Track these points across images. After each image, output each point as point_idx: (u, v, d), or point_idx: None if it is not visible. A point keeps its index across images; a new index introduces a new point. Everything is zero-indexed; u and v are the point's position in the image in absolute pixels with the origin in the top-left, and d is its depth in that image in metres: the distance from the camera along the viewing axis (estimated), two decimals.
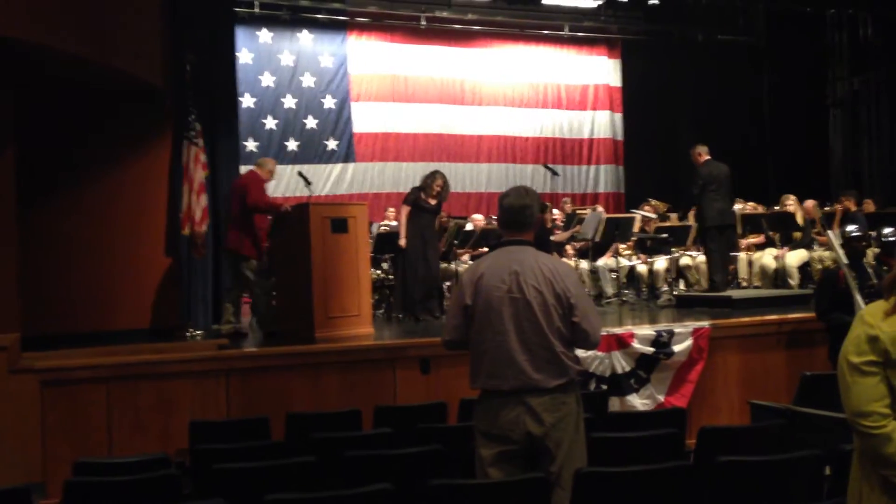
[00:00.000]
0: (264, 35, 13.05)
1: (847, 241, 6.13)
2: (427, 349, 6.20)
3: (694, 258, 9.91)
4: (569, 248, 10.40)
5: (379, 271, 9.42)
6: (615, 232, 9.63)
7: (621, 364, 6.53)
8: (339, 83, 13.49)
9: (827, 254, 9.06)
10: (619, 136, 15.37)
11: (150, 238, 8.09)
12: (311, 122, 13.26)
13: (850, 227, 6.31)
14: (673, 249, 9.84)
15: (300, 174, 8.53)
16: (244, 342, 7.37)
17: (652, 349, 6.59)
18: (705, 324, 6.79)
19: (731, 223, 8.81)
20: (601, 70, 15.27)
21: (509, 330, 3.41)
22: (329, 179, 13.31)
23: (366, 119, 13.63)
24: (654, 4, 13.55)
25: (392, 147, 13.83)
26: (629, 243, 10.15)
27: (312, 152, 13.24)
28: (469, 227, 10.14)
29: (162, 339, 7.35)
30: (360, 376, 6.19)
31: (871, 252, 7.84)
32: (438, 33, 14.07)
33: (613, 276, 9.85)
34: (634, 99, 15.05)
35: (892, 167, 13.77)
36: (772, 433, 4.34)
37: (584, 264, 9.78)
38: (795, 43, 14.49)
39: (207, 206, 7.88)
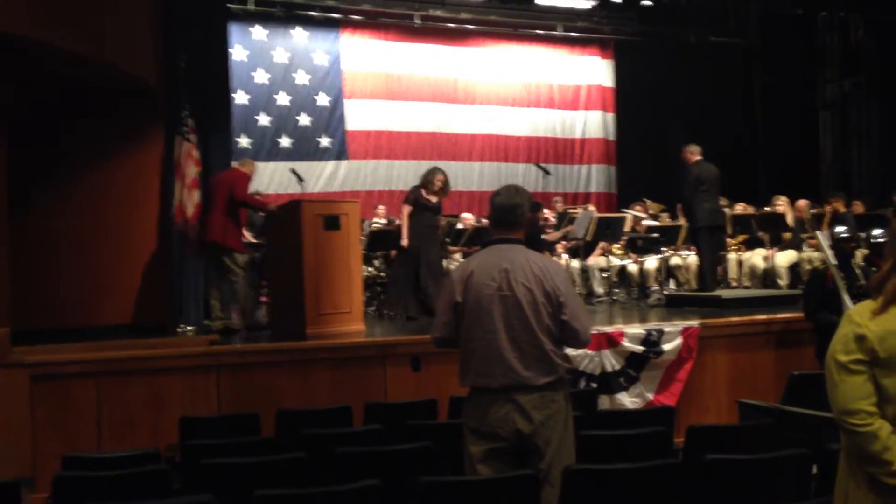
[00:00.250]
0: (258, 32, 13.02)
1: (836, 242, 6.16)
2: (418, 346, 6.21)
3: (684, 258, 9.95)
4: (559, 248, 10.42)
5: (371, 269, 9.43)
6: (606, 231, 9.66)
7: (611, 362, 6.55)
8: (333, 81, 13.47)
9: (816, 254, 9.11)
10: (612, 137, 15.39)
11: (142, 234, 8.08)
12: (304, 120, 13.24)
13: (839, 229, 6.35)
14: (663, 249, 9.88)
15: (293, 171, 8.53)
16: (235, 338, 7.36)
17: (642, 348, 6.62)
18: (695, 323, 6.82)
19: (720, 224, 8.85)
20: (594, 70, 15.29)
21: (499, 328, 3.42)
22: (322, 177, 13.29)
23: (359, 117, 13.61)
24: (646, 5, 13.57)
25: (385, 145, 13.81)
26: (620, 243, 10.19)
27: (305, 149, 13.21)
28: (459, 226, 10.16)
29: (153, 335, 7.34)
30: (351, 373, 6.20)
31: (861, 253, 7.90)
32: (432, 32, 14.06)
33: (604, 275, 9.89)
34: (627, 99, 15.07)
35: (881, 169, 13.83)
36: (760, 432, 4.37)
37: (575, 263, 9.81)
38: (787, 45, 14.54)
39: (200, 202, 7.87)
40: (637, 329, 6.71)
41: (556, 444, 3.42)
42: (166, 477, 3.79)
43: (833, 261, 5.89)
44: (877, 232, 6.33)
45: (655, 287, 9.74)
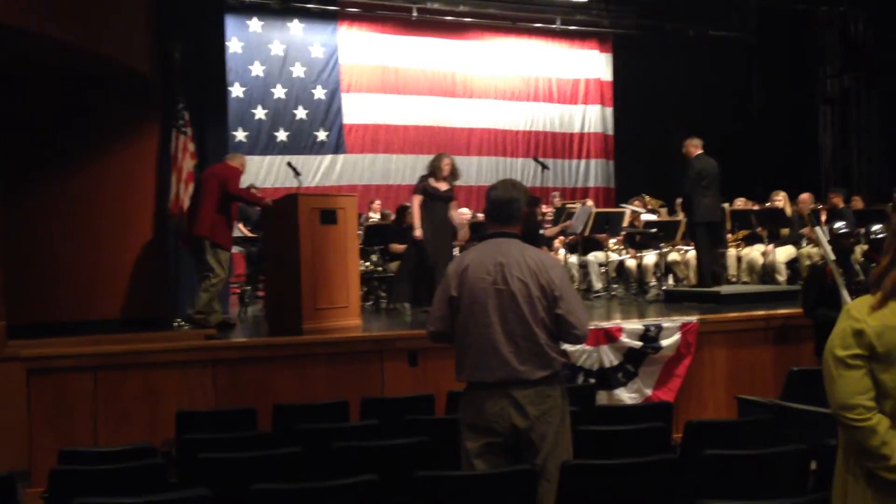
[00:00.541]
0: (254, 24, 12.99)
1: (835, 238, 6.15)
2: (415, 341, 6.20)
3: (683, 253, 9.93)
4: (557, 242, 10.40)
5: (368, 263, 9.40)
6: (605, 226, 9.64)
7: (609, 358, 6.55)
8: (330, 74, 13.45)
9: (815, 250, 9.10)
10: (610, 131, 15.39)
11: (138, 227, 8.06)
12: (300, 113, 13.21)
13: (838, 224, 6.33)
14: (662, 244, 9.86)
15: (289, 165, 8.47)
16: (232, 332, 7.35)
17: (640, 343, 6.61)
18: (693, 319, 6.81)
19: (719, 219, 8.82)
20: (592, 64, 15.28)
21: (494, 322, 3.41)
22: (318, 170, 13.27)
23: (356, 110, 13.59)
24: None
25: (382, 139, 13.80)
26: (618, 238, 10.17)
27: (302, 143, 13.20)
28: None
29: (148, 329, 7.32)
30: (348, 368, 6.19)
31: (860, 249, 7.89)
32: (430, 25, 14.03)
33: (602, 270, 9.87)
34: (625, 93, 15.06)
35: (881, 164, 13.83)
36: (758, 428, 4.36)
37: (574, 258, 9.79)
38: (786, 39, 14.53)
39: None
40: (635, 324, 6.70)
41: (551, 440, 3.40)
42: (162, 471, 3.78)
43: (832, 256, 5.88)
44: (876, 227, 6.32)
45: (654, 282, 9.73)
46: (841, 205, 9.73)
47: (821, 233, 6.08)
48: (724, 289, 8.34)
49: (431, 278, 7.64)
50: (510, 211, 3.55)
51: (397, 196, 13.21)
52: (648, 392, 6.60)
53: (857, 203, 10.77)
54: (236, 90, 12.61)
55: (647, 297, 9.30)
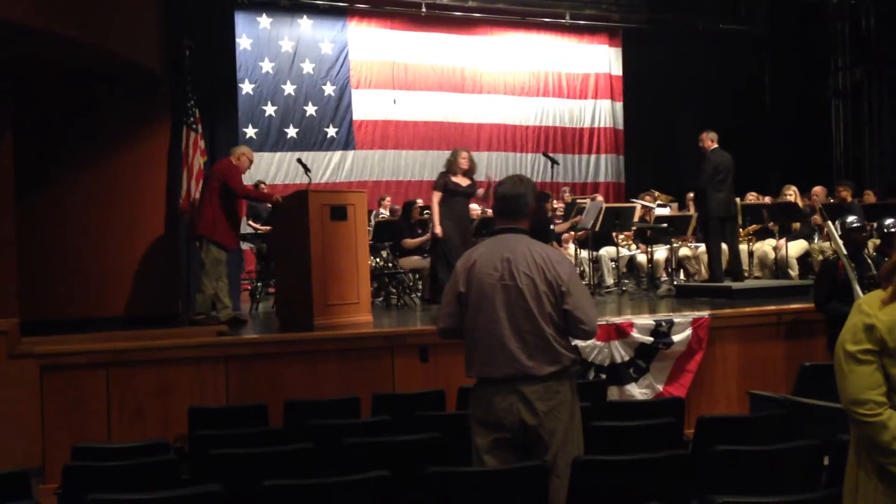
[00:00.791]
0: (264, 21, 13.00)
1: (847, 233, 6.12)
2: (426, 337, 6.20)
3: (694, 248, 9.90)
4: (568, 237, 10.38)
5: (378, 259, 9.41)
6: (615, 221, 9.62)
7: (620, 353, 6.53)
8: (339, 70, 13.45)
9: (827, 244, 9.06)
10: (620, 126, 15.34)
11: (148, 224, 8.09)
12: (310, 109, 13.22)
13: (850, 218, 6.30)
14: (673, 239, 9.83)
15: (299, 161, 8.48)
16: (243, 329, 7.37)
17: (651, 339, 6.59)
18: (705, 314, 6.79)
19: (733, 214, 8.76)
20: (602, 59, 15.23)
21: (501, 317, 3.41)
22: (328, 167, 13.29)
23: (366, 106, 13.59)
24: None
25: (392, 135, 13.80)
26: (629, 233, 10.14)
27: (312, 139, 13.21)
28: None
29: (160, 326, 7.35)
30: (359, 364, 6.19)
31: (872, 243, 7.84)
32: (439, 20, 14.01)
33: (613, 265, 9.85)
34: (635, 88, 15.01)
35: (892, 158, 13.74)
36: (770, 423, 4.35)
37: (584, 254, 9.77)
38: (797, 33, 14.44)
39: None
40: (647, 320, 6.68)
41: (561, 436, 3.40)
42: (175, 467, 3.80)
43: (844, 251, 5.85)
44: (888, 221, 6.26)
45: (665, 278, 9.70)
46: (849, 199, 9.67)
47: (833, 227, 6.05)
48: (736, 284, 8.31)
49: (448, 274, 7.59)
50: (516, 206, 3.55)
51: (407, 192, 13.23)
52: (660, 387, 6.59)
53: (870, 197, 10.71)
54: (246, 87, 12.63)
55: (659, 292, 9.27)
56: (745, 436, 4.06)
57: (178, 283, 8.19)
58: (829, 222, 6.33)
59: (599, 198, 11.83)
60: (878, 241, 8.00)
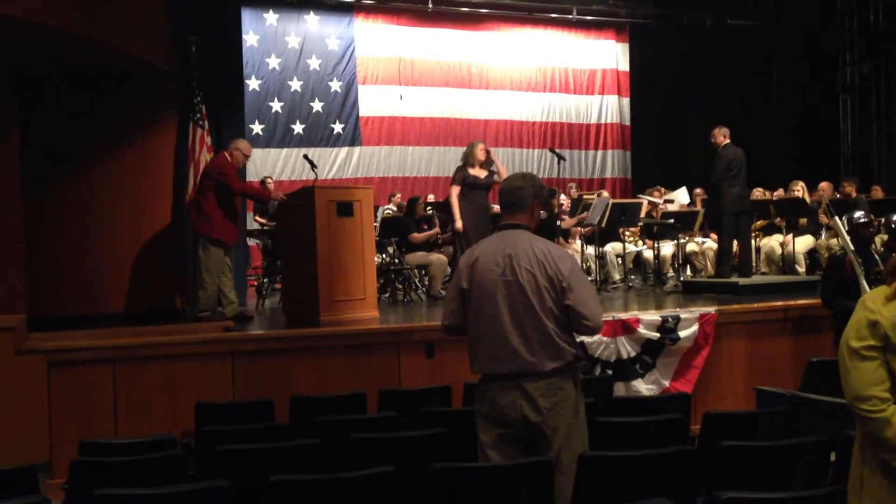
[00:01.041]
0: (270, 17, 13.01)
1: (854, 228, 6.10)
2: (432, 333, 6.20)
3: (700, 244, 9.87)
4: (575, 233, 10.36)
5: (384, 255, 9.42)
6: (622, 217, 9.60)
7: (627, 349, 6.52)
8: (346, 66, 13.45)
9: (834, 240, 9.02)
10: (627, 121, 15.31)
11: (155, 221, 8.11)
12: (317, 106, 13.23)
13: (857, 214, 6.28)
14: (679, 235, 9.81)
15: (306, 157, 8.49)
16: (249, 324, 7.38)
17: (658, 335, 6.58)
18: (711, 310, 6.77)
19: (748, 209, 8.73)
20: (609, 54, 15.20)
21: (503, 313, 3.41)
22: (335, 163, 13.30)
23: (372, 102, 13.59)
24: None
25: (398, 131, 13.80)
26: (635, 229, 10.12)
27: (318, 136, 13.23)
28: None
29: (167, 321, 7.37)
30: (365, 360, 6.20)
31: (880, 239, 7.82)
32: (445, 16, 14.00)
33: (620, 261, 9.83)
34: (642, 84, 14.97)
35: None
36: (776, 419, 4.34)
37: (591, 250, 9.75)
38: (805, 28, 14.38)
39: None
40: (653, 316, 6.67)
41: (564, 432, 3.40)
42: (182, 462, 3.81)
43: (851, 246, 5.83)
44: None
45: (671, 273, 9.68)
46: (854, 194, 9.63)
47: (840, 223, 6.03)
48: (743, 280, 8.29)
49: None
50: (513, 199, 3.57)
51: (413, 188, 13.23)
52: (666, 383, 6.57)
53: (877, 192, 10.65)
54: (253, 83, 12.64)
55: (665, 288, 9.25)
56: (751, 432, 4.05)
57: (185, 280, 8.21)
58: (836, 218, 6.31)
59: (605, 193, 11.82)
60: (885, 237, 7.99)
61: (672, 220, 9.79)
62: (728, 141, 8.49)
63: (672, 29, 14.53)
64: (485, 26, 14.33)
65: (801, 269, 9.28)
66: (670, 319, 6.62)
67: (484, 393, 3.50)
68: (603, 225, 9.38)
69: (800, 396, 4.72)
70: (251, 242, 10.38)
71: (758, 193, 10.58)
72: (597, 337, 6.34)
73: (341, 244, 7.00)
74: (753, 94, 14.75)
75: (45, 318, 6.68)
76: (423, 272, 9.50)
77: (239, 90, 9.71)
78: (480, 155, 8.03)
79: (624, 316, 6.63)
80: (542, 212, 3.93)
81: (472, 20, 14.21)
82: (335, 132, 13.35)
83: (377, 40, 13.65)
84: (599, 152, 15.19)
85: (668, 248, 9.81)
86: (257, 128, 12.69)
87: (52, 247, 7.52)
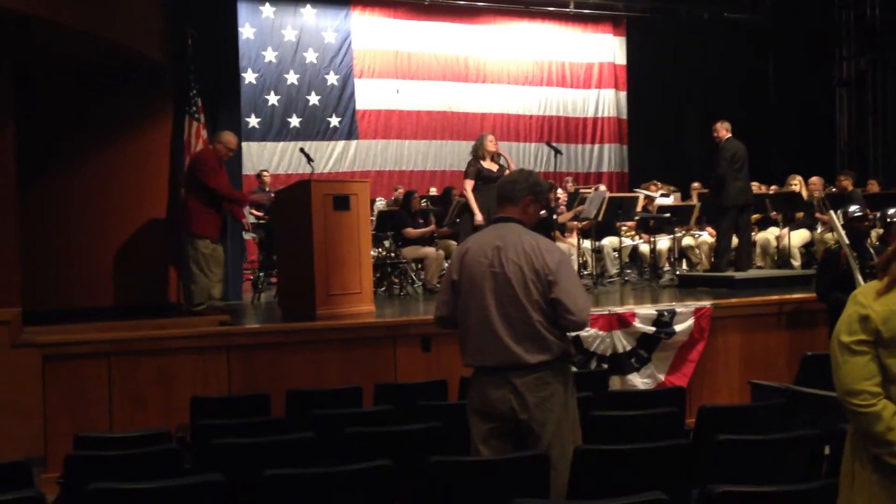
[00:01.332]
0: (267, 10, 12.97)
1: (849, 222, 6.10)
2: (428, 327, 6.19)
3: (697, 238, 9.87)
4: (572, 226, 10.36)
5: (380, 249, 9.41)
6: (618, 211, 9.59)
7: (622, 343, 6.53)
8: (342, 59, 13.43)
9: (830, 234, 9.03)
10: (624, 115, 15.31)
11: (151, 214, 8.09)
12: (313, 99, 13.21)
13: (853, 208, 6.29)
14: (675, 229, 9.81)
15: (302, 151, 8.47)
16: (244, 318, 7.38)
17: (653, 328, 6.59)
18: (707, 303, 6.78)
19: (750, 203, 8.73)
20: (606, 48, 15.18)
21: (490, 305, 3.42)
22: (331, 156, 13.28)
23: (369, 96, 13.57)
24: None
25: (395, 124, 13.78)
26: (632, 223, 10.13)
27: (315, 129, 13.20)
28: None
29: (163, 315, 7.36)
30: (362, 354, 6.20)
31: (876, 233, 7.82)
32: (442, 9, 13.98)
33: (616, 255, 9.84)
34: (639, 77, 14.96)
35: None
36: (771, 412, 4.34)
37: (587, 243, 9.75)
38: (802, 22, 14.37)
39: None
40: (649, 310, 6.68)
41: (553, 427, 3.40)
42: (177, 456, 3.80)
43: (846, 240, 5.83)
44: (892, 211, 6.25)
45: (667, 267, 9.69)
46: (850, 188, 9.63)
47: (835, 216, 6.03)
48: (738, 273, 8.29)
49: None
50: (505, 192, 3.59)
51: (410, 181, 13.22)
52: (661, 377, 6.59)
53: (873, 186, 10.66)
54: (249, 76, 12.61)
55: (661, 282, 9.26)
56: (746, 425, 4.05)
57: (181, 273, 8.19)
58: (832, 212, 6.31)
59: (603, 187, 11.81)
60: (881, 231, 8.00)
61: (668, 214, 9.79)
62: (730, 135, 8.50)
63: (669, 22, 14.51)
64: (482, 20, 14.30)
65: (797, 262, 9.29)
66: (666, 313, 6.63)
67: (475, 387, 3.52)
68: (600, 219, 9.38)
69: (794, 390, 4.73)
70: (247, 236, 10.36)
71: (754, 187, 10.58)
72: (592, 331, 6.36)
73: (337, 238, 6.99)
74: (750, 88, 14.75)
75: (40, 311, 6.67)
76: (420, 266, 9.51)
77: (235, 83, 9.67)
78: (491, 146, 8.01)
79: (620, 310, 6.64)
80: (542, 211, 3.92)
81: (468, 13, 14.18)
82: (332, 125, 13.33)
83: (374, 33, 13.62)
84: (596, 146, 15.18)
85: (664, 242, 9.81)
86: (254, 121, 12.67)
87: (47, 240, 7.51)
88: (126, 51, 7.28)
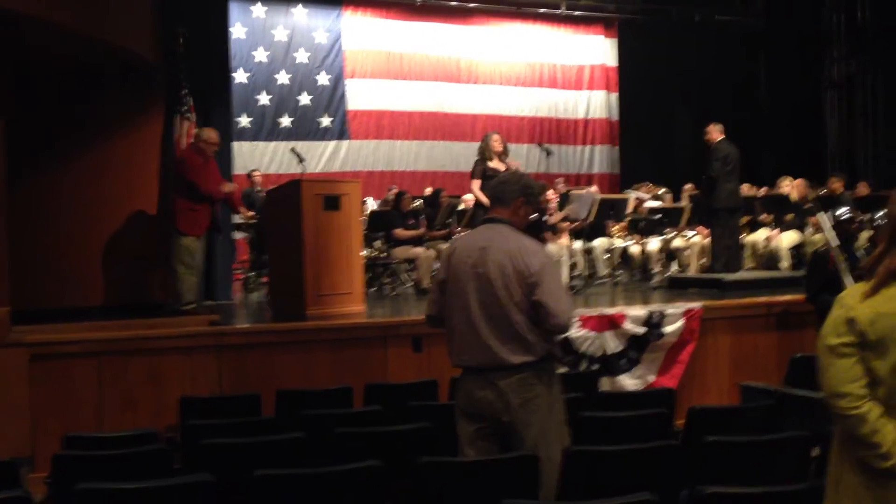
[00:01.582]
0: (258, 10, 12.93)
1: (838, 224, 6.13)
2: (419, 327, 6.19)
3: (687, 239, 9.91)
4: (563, 227, 10.36)
5: (371, 249, 9.41)
6: (609, 213, 9.62)
7: (613, 344, 6.55)
8: (334, 60, 13.39)
9: (819, 236, 9.07)
10: (615, 117, 15.31)
11: (141, 213, 8.06)
12: (304, 99, 13.17)
13: (841, 210, 6.32)
14: (666, 230, 9.84)
15: (293, 151, 8.46)
16: (235, 318, 7.36)
17: (643, 329, 6.61)
18: (697, 305, 6.80)
19: (740, 205, 8.76)
20: (597, 49, 15.19)
21: (474, 305, 3.44)
22: (323, 157, 13.24)
23: (360, 96, 13.54)
24: None
25: (386, 125, 13.75)
26: (622, 224, 10.15)
27: (306, 129, 13.16)
28: (461, 206, 10.13)
29: (153, 315, 7.33)
30: (352, 354, 6.19)
31: (865, 235, 7.86)
32: (434, 10, 13.95)
33: (606, 256, 9.86)
34: (630, 79, 14.97)
35: (887, 150, 13.75)
36: (760, 414, 4.36)
37: (578, 244, 9.77)
38: (793, 24, 14.42)
39: None
40: (639, 311, 6.70)
41: (537, 429, 3.41)
42: (166, 456, 3.80)
43: (835, 242, 5.86)
44: (880, 214, 6.29)
45: (658, 269, 9.72)
46: (840, 190, 9.68)
47: (824, 218, 6.06)
48: (728, 275, 8.33)
49: None
50: (496, 193, 3.61)
51: (401, 182, 13.18)
52: (651, 378, 6.61)
53: (863, 189, 10.71)
54: (240, 76, 12.56)
55: (651, 283, 9.29)
56: (735, 426, 4.08)
57: (169, 273, 8.16)
58: (820, 214, 6.34)
59: (595, 188, 11.84)
60: (871, 233, 8.04)
61: (659, 216, 9.82)
62: (723, 136, 8.53)
63: (661, 24, 14.53)
64: (473, 21, 14.29)
65: (786, 264, 9.33)
66: (656, 315, 6.65)
67: (462, 387, 3.54)
68: (591, 220, 9.40)
69: (783, 392, 4.75)
70: (238, 236, 10.34)
71: (744, 189, 10.61)
72: (583, 332, 6.38)
73: (328, 238, 6.98)
74: (741, 90, 14.79)
75: (29, 310, 6.63)
76: (411, 266, 9.51)
77: (226, 83, 9.65)
78: (497, 146, 7.92)
79: (610, 311, 6.66)
80: (533, 214, 3.92)
81: (460, 14, 14.17)
82: (323, 126, 13.29)
83: (365, 34, 13.59)
84: (587, 147, 15.18)
85: (654, 243, 9.84)
86: (245, 121, 12.63)
87: (36, 239, 7.47)
88: (117, 49, 7.25)
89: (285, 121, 13.00)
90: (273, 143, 12.80)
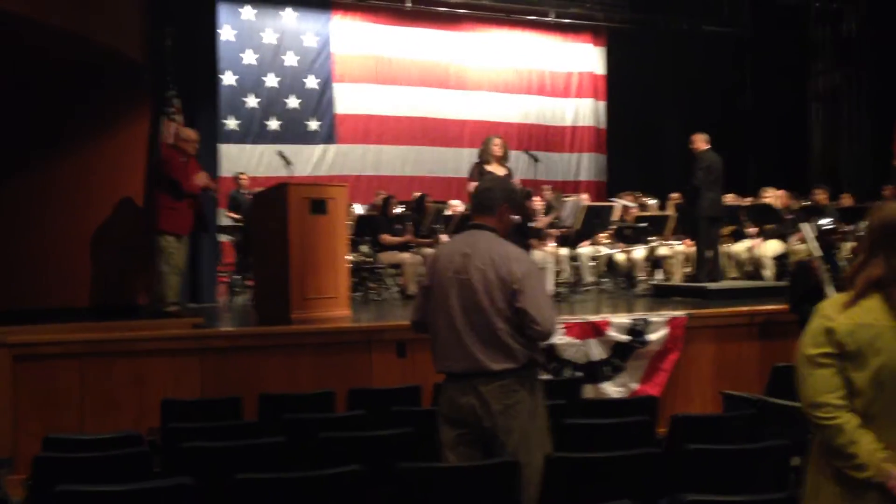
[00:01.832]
0: (247, 12, 12.90)
1: (821, 234, 6.18)
2: (404, 332, 6.19)
3: (672, 248, 9.95)
4: (552, 234, 10.39)
5: (357, 254, 9.39)
6: (595, 220, 9.65)
7: (596, 351, 6.56)
8: (323, 63, 13.38)
9: (802, 246, 9.13)
10: (602, 125, 15.37)
11: (126, 214, 8.02)
12: (293, 102, 13.15)
13: (824, 221, 6.36)
14: (651, 239, 9.88)
15: (280, 154, 8.44)
16: (218, 321, 7.33)
17: (628, 337, 6.63)
18: (681, 313, 6.83)
19: (723, 215, 8.81)
20: (586, 57, 15.25)
21: (456, 311, 3.45)
22: (310, 160, 13.21)
23: (348, 100, 13.53)
24: None
25: (374, 129, 13.74)
26: (609, 231, 10.18)
27: (294, 132, 13.13)
28: (447, 212, 10.13)
29: (136, 317, 7.29)
30: (336, 358, 6.18)
31: (849, 246, 7.92)
32: (424, 16, 13.97)
33: (592, 264, 9.89)
34: (618, 87, 15.04)
35: (871, 162, 13.85)
36: (742, 423, 4.38)
37: (564, 251, 9.79)
38: (779, 35, 14.54)
39: None
40: (623, 319, 6.72)
41: (518, 435, 3.41)
42: (147, 459, 3.78)
43: (818, 253, 5.90)
44: (862, 224, 6.36)
45: (643, 277, 9.75)
46: (825, 202, 9.76)
47: (807, 229, 6.10)
48: (711, 284, 8.37)
49: None
50: (481, 199, 3.62)
51: (388, 187, 13.17)
52: (635, 386, 6.62)
53: (847, 200, 10.79)
54: (228, 78, 12.53)
55: (636, 291, 9.32)
56: (717, 435, 4.09)
57: (153, 275, 8.13)
58: (803, 224, 6.39)
59: (585, 196, 11.86)
60: (854, 244, 8.10)
61: (644, 224, 9.86)
62: (708, 146, 8.58)
63: (649, 33, 14.61)
64: (463, 27, 14.32)
65: (769, 273, 9.38)
66: (640, 322, 6.67)
67: (445, 393, 3.54)
68: (577, 227, 9.42)
69: (764, 401, 4.78)
70: (223, 238, 10.30)
71: (728, 199, 10.68)
72: (567, 339, 6.39)
73: (314, 242, 6.96)
74: (727, 100, 14.88)
75: (11, 310, 6.59)
76: (397, 271, 9.50)
77: (213, 85, 9.63)
78: (496, 150, 7.81)
79: (594, 318, 6.68)
80: (516, 217, 3.95)
81: (450, 20, 14.19)
82: (311, 129, 13.27)
83: (354, 38, 13.59)
84: (575, 155, 15.23)
85: (639, 251, 9.88)
86: (232, 123, 12.58)
87: (19, 239, 7.43)
88: (104, 50, 7.24)
89: (273, 124, 12.97)
90: (260, 146, 12.76)
